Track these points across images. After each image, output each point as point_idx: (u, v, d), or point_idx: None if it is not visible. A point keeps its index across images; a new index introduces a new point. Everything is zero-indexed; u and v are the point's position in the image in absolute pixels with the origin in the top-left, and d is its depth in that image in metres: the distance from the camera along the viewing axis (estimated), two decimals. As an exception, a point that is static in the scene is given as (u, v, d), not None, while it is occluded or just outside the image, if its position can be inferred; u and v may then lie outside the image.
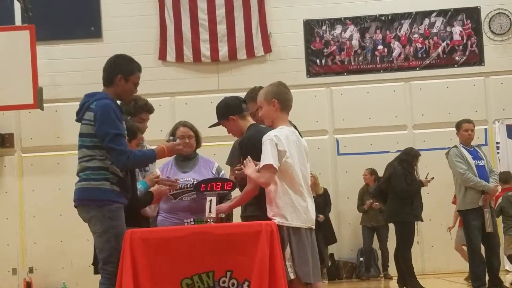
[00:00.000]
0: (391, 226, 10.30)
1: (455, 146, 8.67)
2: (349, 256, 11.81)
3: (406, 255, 9.21)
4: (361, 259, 11.58)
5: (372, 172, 11.48)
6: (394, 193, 9.27)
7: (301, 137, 4.99)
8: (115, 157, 4.62)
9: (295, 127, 5.06)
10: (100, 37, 11.84)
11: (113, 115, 4.67)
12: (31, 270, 11.50)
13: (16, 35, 10.36)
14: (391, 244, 10.40)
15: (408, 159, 9.43)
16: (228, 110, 5.19)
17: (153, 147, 5.07)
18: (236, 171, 5.13)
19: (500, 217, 9.71)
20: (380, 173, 10.30)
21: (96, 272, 4.94)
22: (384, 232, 11.31)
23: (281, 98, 4.84)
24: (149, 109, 6.27)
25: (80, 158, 4.80)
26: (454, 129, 8.85)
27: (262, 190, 4.80)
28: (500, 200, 9.58)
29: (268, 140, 4.67)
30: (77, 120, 4.89)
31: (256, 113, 5.43)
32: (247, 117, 5.25)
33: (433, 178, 9.61)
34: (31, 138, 11.71)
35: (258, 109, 5.18)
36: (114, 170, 4.72)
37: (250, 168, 4.73)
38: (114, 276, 4.59)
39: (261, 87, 5.40)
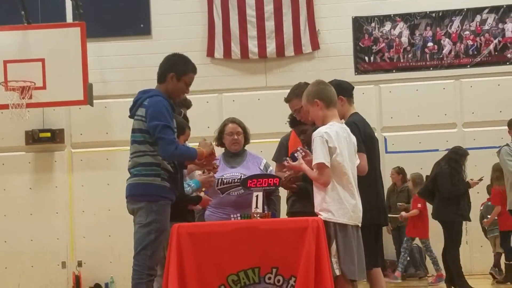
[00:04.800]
0: (432, 225, 10.20)
1: (507, 145, 8.49)
2: (391, 254, 11.62)
3: (454, 255, 9.07)
4: (408, 258, 11.40)
5: (400, 171, 11.34)
6: (440, 192, 9.16)
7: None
8: (163, 147, 4.68)
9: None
10: (149, 34, 11.94)
11: (165, 110, 4.74)
12: (80, 264, 11.67)
13: (67, 32, 10.50)
14: (436, 243, 10.27)
15: (456, 158, 9.28)
16: (340, 90, 5.21)
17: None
18: (285, 168, 5.12)
19: None
20: (429, 171, 10.17)
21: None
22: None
23: (322, 96, 4.81)
24: (188, 105, 6.37)
25: (132, 154, 4.87)
26: (506, 127, 8.68)
27: (311, 186, 4.79)
28: None
29: (319, 137, 4.65)
30: (130, 116, 4.96)
31: (301, 109, 5.43)
32: (353, 105, 5.38)
33: (481, 179, 9.45)
34: (81, 134, 11.87)
35: (302, 106, 5.19)
36: (165, 166, 4.79)
37: (301, 164, 4.75)
38: (144, 268, 4.67)
39: (306, 83, 5.41)
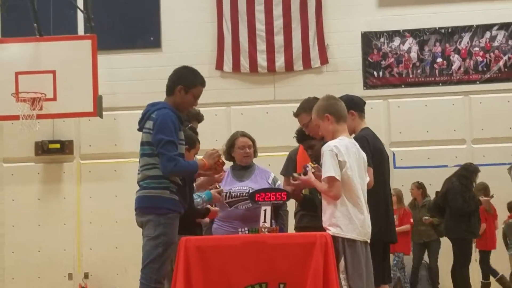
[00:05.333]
0: (443, 241, 10.12)
1: (517, 161, 8.46)
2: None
3: (463, 272, 9.02)
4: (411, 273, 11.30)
5: (420, 185, 11.24)
6: (451, 209, 9.11)
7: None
8: (163, 163, 4.69)
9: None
10: (159, 47, 11.99)
11: (171, 124, 4.74)
12: (86, 276, 11.67)
13: (78, 44, 10.57)
14: (444, 260, 10.19)
15: (467, 174, 9.24)
16: (351, 104, 5.22)
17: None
18: (293, 182, 5.12)
19: None
20: (438, 188, 10.13)
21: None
22: (435, 248, 11.03)
23: (332, 110, 4.82)
24: (200, 119, 6.41)
25: (141, 167, 4.88)
26: (515, 144, 8.66)
27: (319, 200, 4.79)
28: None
29: (329, 150, 4.65)
30: (138, 129, 4.97)
31: (309, 124, 5.44)
32: (364, 120, 5.39)
33: (492, 196, 9.40)
34: (90, 145, 11.90)
35: (311, 120, 5.20)
36: (174, 178, 4.79)
37: (311, 178, 4.75)
38: (151, 281, 4.67)
39: (315, 98, 5.43)
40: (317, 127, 4.96)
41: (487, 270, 10.44)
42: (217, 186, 5.58)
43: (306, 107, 5.52)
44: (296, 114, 5.70)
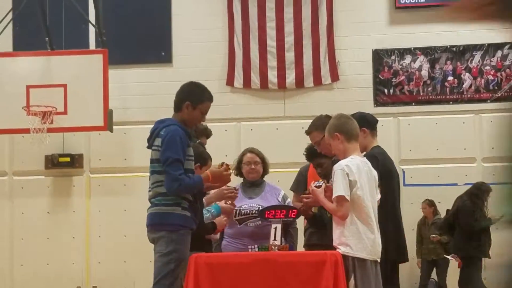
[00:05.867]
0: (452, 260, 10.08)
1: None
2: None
3: (469, 290, 9.02)
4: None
5: (431, 203, 11.18)
6: (461, 227, 9.09)
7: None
8: (168, 182, 4.70)
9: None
10: (170, 62, 12.03)
11: (179, 141, 4.74)
12: (94, 289, 11.68)
13: (90, 59, 10.61)
14: (453, 278, 10.13)
15: (478, 193, 9.22)
16: (363, 122, 5.23)
17: None
18: (304, 199, 5.11)
19: None
20: (447, 205, 10.09)
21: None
22: (444, 266, 10.99)
23: (343, 129, 4.83)
24: (208, 134, 6.42)
25: (152, 184, 4.88)
26: (526, 163, 8.61)
27: (329, 218, 4.78)
28: None
29: (340, 169, 4.65)
30: (148, 147, 4.98)
31: (321, 142, 5.44)
32: (376, 138, 5.40)
33: (502, 216, 9.36)
34: (100, 159, 11.93)
35: (322, 138, 5.20)
36: (184, 195, 4.78)
37: (320, 196, 4.74)
38: None
39: (327, 116, 5.43)
40: (329, 145, 4.96)
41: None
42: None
43: (318, 125, 5.53)
44: (308, 132, 5.70)
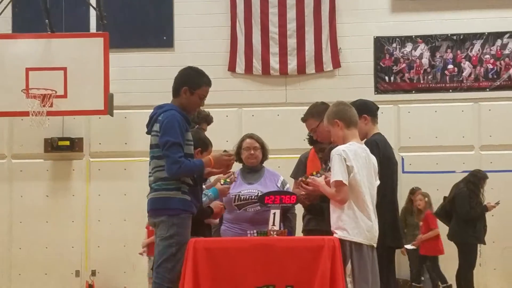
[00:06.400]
0: (449, 246, 10.13)
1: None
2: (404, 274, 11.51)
3: (467, 276, 9.16)
4: (422, 278, 11.29)
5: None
6: (457, 214, 9.20)
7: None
8: (168, 165, 4.72)
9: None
10: (171, 46, 12.00)
11: (177, 125, 4.76)
12: (93, 273, 11.70)
13: (90, 42, 10.57)
14: (448, 264, 10.20)
15: (475, 181, 9.33)
16: (365, 109, 5.26)
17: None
18: (302, 185, 5.13)
19: None
20: (445, 193, 10.14)
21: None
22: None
23: (342, 116, 4.86)
24: (209, 121, 6.43)
25: (152, 169, 4.91)
26: (524, 151, 8.68)
27: (327, 204, 4.81)
28: None
29: (337, 154, 4.68)
30: (147, 133, 5.00)
31: (317, 129, 5.45)
32: (377, 125, 5.45)
33: (498, 202, 9.45)
34: (100, 143, 11.93)
35: (318, 125, 5.23)
36: (185, 179, 4.80)
37: (320, 183, 4.77)
38: (164, 281, 4.69)
39: (323, 103, 5.47)
40: (326, 132, 4.99)
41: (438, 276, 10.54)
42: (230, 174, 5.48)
43: (313, 112, 5.55)
44: (303, 119, 5.71)
